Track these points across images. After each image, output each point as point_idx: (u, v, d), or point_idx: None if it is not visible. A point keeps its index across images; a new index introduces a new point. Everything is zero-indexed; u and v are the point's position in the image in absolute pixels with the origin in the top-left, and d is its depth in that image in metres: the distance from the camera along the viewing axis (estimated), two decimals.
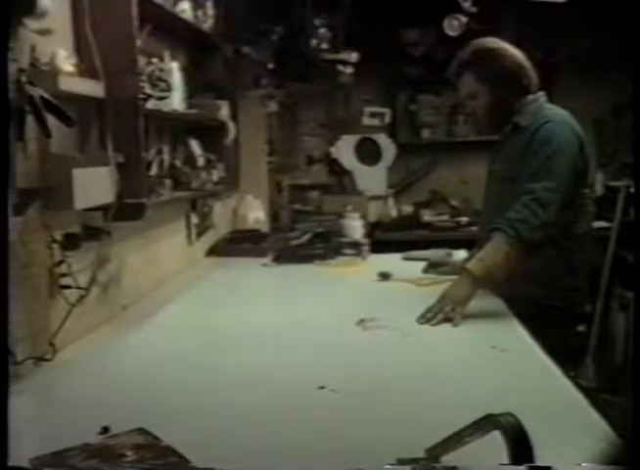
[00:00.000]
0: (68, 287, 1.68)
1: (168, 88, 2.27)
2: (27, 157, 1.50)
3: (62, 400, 1.38)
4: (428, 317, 1.88)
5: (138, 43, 1.92)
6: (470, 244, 2.49)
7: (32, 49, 1.54)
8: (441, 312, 1.88)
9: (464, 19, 3.99)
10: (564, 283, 2.12)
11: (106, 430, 1.17)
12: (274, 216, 4.20)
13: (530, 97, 2.14)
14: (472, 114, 2.24)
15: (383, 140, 5.05)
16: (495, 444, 0.86)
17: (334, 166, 5.11)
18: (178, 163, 2.67)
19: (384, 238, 4.35)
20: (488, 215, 2.16)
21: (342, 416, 1.26)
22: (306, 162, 5.12)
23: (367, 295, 2.32)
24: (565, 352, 1.80)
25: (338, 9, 3.95)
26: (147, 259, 2.38)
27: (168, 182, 2.43)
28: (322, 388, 1.38)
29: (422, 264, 2.56)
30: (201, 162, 2.81)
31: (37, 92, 1.43)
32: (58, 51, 1.63)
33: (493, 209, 2.15)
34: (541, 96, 2.17)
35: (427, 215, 4.90)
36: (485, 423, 0.88)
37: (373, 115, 5.01)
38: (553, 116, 2.08)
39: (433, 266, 2.51)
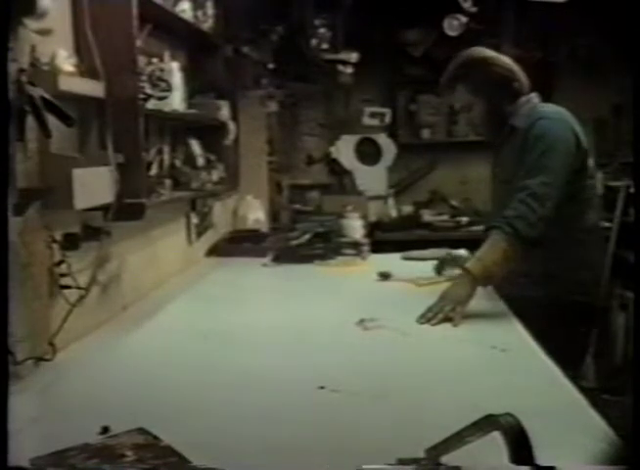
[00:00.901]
0: (68, 287, 1.68)
1: (168, 88, 2.27)
2: (27, 157, 1.50)
3: (62, 400, 1.38)
4: (428, 317, 1.88)
5: (138, 43, 1.92)
6: (470, 244, 2.48)
7: (32, 49, 1.54)
8: (441, 312, 1.88)
9: (464, 19, 3.99)
10: (580, 278, 2.09)
11: (106, 430, 1.17)
12: (274, 216, 4.19)
13: (523, 99, 2.15)
14: (470, 123, 2.25)
15: (383, 140, 5.05)
16: (495, 443, 0.86)
17: (334, 166, 5.11)
18: (178, 163, 2.67)
19: (384, 238, 4.35)
20: (495, 218, 2.15)
21: (342, 416, 1.27)
22: (306, 162, 5.12)
23: (367, 295, 2.31)
24: (577, 349, 1.81)
25: (338, 9, 3.95)
26: (147, 259, 2.38)
27: (168, 182, 2.43)
28: (322, 388, 1.38)
29: (422, 264, 2.55)
30: (201, 162, 2.81)
31: (37, 92, 1.43)
32: (58, 51, 1.63)
33: (499, 211, 2.14)
34: (534, 97, 2.17)
35: (427, 215, 4.91)
36: (485, 423, 0.88)
37: (373, 115, 5.01)
38: (546, 113, 2.09)
39: (448, 263, 2.44)
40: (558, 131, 2.02)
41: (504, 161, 2.18)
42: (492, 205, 2.35)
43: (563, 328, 1.93)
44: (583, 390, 1.36)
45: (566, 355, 1.55)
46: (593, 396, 1.33)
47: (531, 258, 1.97)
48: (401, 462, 0.98)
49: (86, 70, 1.76)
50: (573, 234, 2.08)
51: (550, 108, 2.14)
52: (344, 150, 5.05)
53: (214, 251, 3.17)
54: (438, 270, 2.46)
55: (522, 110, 2.13)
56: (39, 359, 1.53)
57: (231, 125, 3.03)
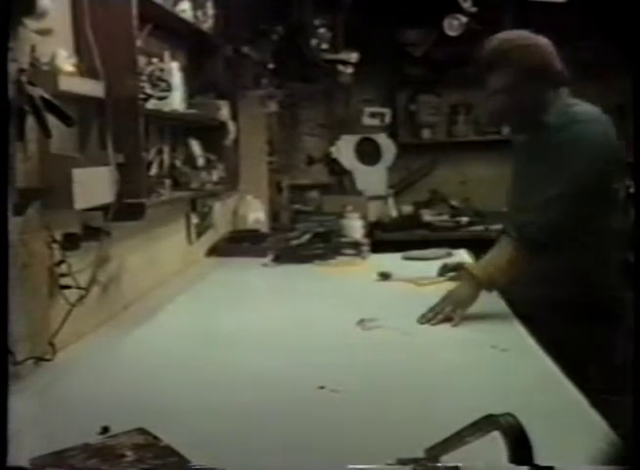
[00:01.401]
0: (68, 287, 1.68)
1: (168, 88, 2.27)
2: (27, 157, 1.50)
3: (62, 400, 1.38)
4: (428, 317, 1.88)
5: (138, 43, 1.92)
6: (470, 244, 2.47)
7: (32, 49, 1.54)
8: (442, 313, 1.88)
9: (464, 19, 3.99)
10: (598, 281, 2.03)
11: (106, 430, 1.17)
12: (274, 216, 4.19)
13: (561, 91, 2.05)
14: (497, 110, 2.09)
15: (383, 140, 5.05)
16: (495, 443, 0.85)
17: (334, 166, 5.10)
18: (178, 163, 2.67)
19: (384, 238, 4.35)
20: (512, 215, 2.10)
21: (341, 416, 1.26)
22: (306, 162, 5.11)
23: (367, 295, 2.31)
24: (581, 350, 1.80)
25: (338, 9, 3.95)
26: (147, 259, 2.38)
27: (168, 182, 2.43)
28: (322, 388, 1.38)
29: (422, 264, 2.55)
30: (201, 162, 2.81)
31: (37, 92, 1.43)
32: (58, 51, 1.63)
33: (514, 212, 2.09)
34: (568, 94, 2.08)
35: (427, 215, 4.91)
36: (485, 423, 0.88)
37: (373, 115, 5.01)
38: (582, 115, 1.99)
39: (451, 268, 2.41)
40: (592, 138, 1.93)
41: (526, 158, 2.09)
42: (511, 200, 2.21)
43: (573, 330, 1.90)
44: (583, 390, 1.35)
45: (568, 356, 1.55)
46: (593, 396, 1.33)
47: (542, 260, 1.93)
48: (401, 462, 0.98)
49: (86, 70, 1.76)
50: (592, 236, 1.98)
51: (586, 109, 2.03)
52: (344, 150, 5.05)
53: (214, 251, 3.17)
54: (441, 273, 2.43)
55: (556, 104, 2.02)
56: (39, 359, 1.53)
57: (231, 125, 3.03)
